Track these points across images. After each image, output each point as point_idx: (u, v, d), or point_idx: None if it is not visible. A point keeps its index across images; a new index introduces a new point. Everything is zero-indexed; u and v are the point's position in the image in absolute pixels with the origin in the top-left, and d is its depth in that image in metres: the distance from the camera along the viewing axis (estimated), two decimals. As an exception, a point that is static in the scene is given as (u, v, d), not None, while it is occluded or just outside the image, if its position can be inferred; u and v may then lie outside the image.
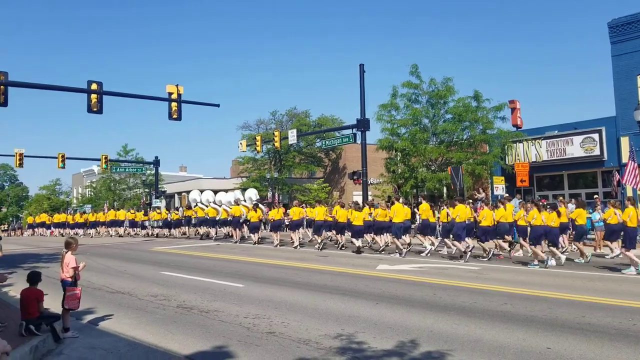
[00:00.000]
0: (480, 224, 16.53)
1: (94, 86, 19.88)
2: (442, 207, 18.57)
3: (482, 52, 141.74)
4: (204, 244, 24.30)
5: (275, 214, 23.30)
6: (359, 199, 27.94)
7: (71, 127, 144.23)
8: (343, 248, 19.83)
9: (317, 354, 6.43)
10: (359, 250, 18.43)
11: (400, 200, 19.39)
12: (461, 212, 16.42)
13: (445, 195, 28.80)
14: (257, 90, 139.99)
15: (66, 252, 7.72)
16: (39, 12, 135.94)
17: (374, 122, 27.63)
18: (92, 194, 59.34)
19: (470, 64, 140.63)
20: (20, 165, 36.75)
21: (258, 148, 33.80)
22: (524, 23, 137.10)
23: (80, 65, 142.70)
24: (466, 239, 16.59)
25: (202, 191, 31.79)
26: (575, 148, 25.77)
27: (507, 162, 27.56)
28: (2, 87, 18.09)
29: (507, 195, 21.85)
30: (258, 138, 33.72)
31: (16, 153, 36.43)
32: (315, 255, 18.38)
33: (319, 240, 20.84)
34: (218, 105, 24.64)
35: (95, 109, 19.87)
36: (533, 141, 27.27)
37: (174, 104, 21.55)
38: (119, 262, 17.27)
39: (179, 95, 21.60)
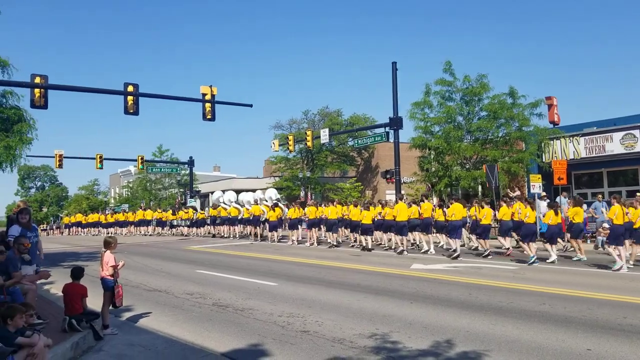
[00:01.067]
0: (481, 222, 16.90)
1: (130, 88, 20.26)
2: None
3: (515, 51, 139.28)
4: (236, 242, 24.56)
5: (293, 212, 23.82)
6: (392, 198, 27.80)
7: (108, 128, 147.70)
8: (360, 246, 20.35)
9: (351, 353, 6.41)
10: (365, 248, 19.13)
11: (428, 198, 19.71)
12: (457, 211, 16.87)
13: (480, 193, 28.39)
14: (288, 89, 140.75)
15: (105, 251, 7.90)
16: (41, 11, 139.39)
17: (407, 120, 27.44)
18: (129, 193, 60.65)
19: (503, 63, 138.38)
20: (60, 166, 37.76)
21: (290, 147, 33.93)
22: (550, 22, 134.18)
23: (86, 65, 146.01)
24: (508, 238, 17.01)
25: (224, 191, 32.38)
26: (615, 145, 25.06)
27: (544, 160, 26.97)
28: (42, 90, 18.57)
29: (545, 193, 21.52)
30: (290, 137, 33.85)
31: (56, 154, 37.44)
32: (348, 254, 18.39)
33: (334, 238, 21.68)
34: (251, 106, 24.91)
35: (131, 111, 20.27)
36: (571, 138, 26.64)
37: (207, 105, 21.81)
38: (155, 261, 17.58)
39: (213, 96, 21.84)
